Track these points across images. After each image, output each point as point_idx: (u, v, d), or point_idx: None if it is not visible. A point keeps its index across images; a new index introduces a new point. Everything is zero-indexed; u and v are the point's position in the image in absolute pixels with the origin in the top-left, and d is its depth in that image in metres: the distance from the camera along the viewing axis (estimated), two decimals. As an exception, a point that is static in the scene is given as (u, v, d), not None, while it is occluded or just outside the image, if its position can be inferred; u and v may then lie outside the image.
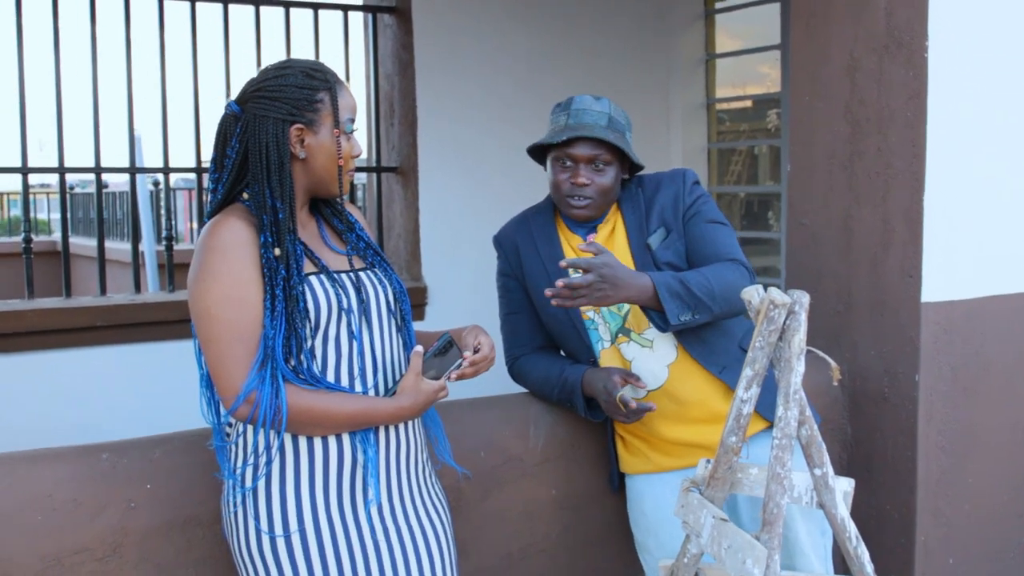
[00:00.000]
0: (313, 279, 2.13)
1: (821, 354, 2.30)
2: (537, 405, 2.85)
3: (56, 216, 17.51)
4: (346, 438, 2.13)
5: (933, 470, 3.19)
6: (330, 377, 2.13)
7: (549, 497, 2.84)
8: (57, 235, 14.17)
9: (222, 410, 2.15)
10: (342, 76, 5.27)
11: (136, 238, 5.17)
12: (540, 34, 5.77)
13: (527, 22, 5.74)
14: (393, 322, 2.25)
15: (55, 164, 4.86)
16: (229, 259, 2.07)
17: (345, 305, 2.14)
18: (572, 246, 2.72)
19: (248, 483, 2.10)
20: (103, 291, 4.96)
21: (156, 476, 2.35)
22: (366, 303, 2.18)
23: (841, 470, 3.32)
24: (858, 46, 3.28)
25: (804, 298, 2.19)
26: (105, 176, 5.17)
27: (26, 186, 4.88)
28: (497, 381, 2.81)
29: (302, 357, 2.08)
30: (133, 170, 5.04)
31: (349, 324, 2.14)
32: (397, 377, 2.22)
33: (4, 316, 4.55)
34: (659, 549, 2.68)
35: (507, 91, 5.62)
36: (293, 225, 2.12)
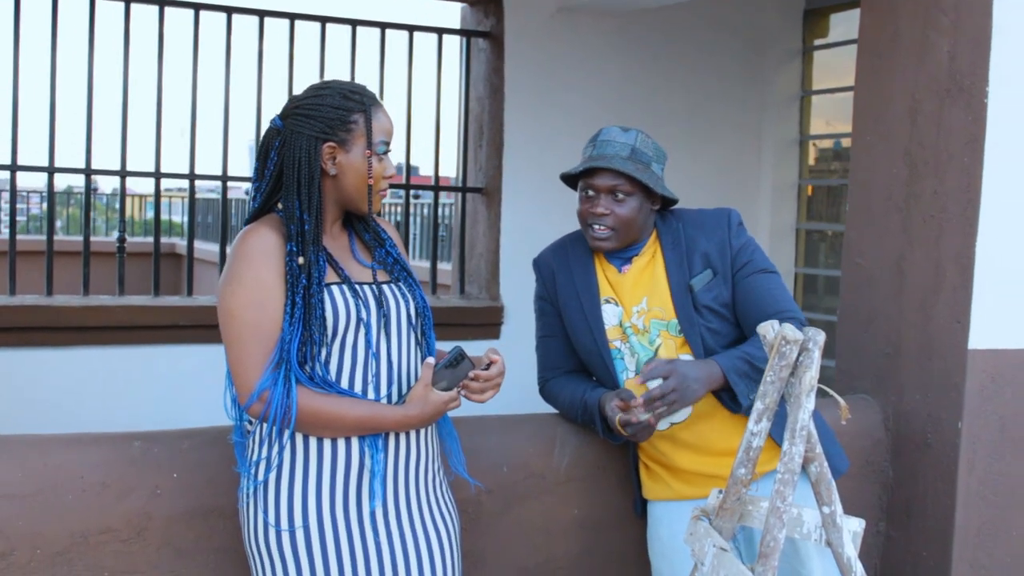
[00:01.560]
0: (335, 288, 2.23)
1: (832, 392, 2.30)
2: (565, 426, 2.89)
3: (182, 219, 18.24)
4: (355, 441, 2.22)
5: (973, 519, 3.14)
6: (344, 383, 2.22)
7: (571, 516, 2.88)
8: (174, 238, 14.69)
9: (241, 407, 2.27)
10: (433, 97, 5.51)
11: (224, 243, 5.39)
12: (632, 64, 5.82)
13: (619, 51, 5.79)
14: (413, 336, 2.34)
15: (152, 169, 5.14)
16: (255, 266, 2.19)
17: (363, 316, 2.23)
18: (607, 275, 2.74)
19: (260, 476, 2.21)
20: (190, 292, 5.19)
21: (183, 466, 2.47)
22: (387, 316, 2.27)
23: (880, 513, 3.30)
24: (920, 89, 3.27)
25: (819, 336, 2.19)
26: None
27: (123, 190, 5.20)
28: (529, 401, 2.88)
29: (316, 362, 2.18)
30: (225, 178, 5.29)
31: (367, 334, 2.24)
32: None
33: (95, 311, 4.80)
34: (672, 576, 2.70)
35: (595, 119, 5.57)
36: (318, 237, 2.22)
